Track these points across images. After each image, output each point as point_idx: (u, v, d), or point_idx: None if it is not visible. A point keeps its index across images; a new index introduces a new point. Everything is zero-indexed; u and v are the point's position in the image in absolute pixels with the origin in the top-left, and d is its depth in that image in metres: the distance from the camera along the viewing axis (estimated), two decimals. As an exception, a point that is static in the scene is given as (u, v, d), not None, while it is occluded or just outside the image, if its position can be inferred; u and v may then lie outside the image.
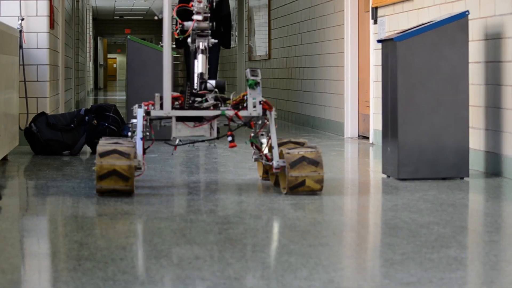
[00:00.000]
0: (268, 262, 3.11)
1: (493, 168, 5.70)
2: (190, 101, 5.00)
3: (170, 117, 4.98)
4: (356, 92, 8.90)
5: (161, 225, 3.86)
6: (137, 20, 38.47)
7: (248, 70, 4.99)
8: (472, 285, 2.83)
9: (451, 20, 5.39)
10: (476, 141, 5.94)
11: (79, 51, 16.84)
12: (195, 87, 5.15)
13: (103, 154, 4.68)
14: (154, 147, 7.62)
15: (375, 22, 8.11)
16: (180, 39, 5.26)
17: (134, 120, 5.05)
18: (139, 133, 4.90)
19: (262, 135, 5.15)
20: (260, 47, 13.66)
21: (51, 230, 3.88)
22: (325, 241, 3.50)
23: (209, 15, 5.21)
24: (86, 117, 7.17)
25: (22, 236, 3.65)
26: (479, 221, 4.05)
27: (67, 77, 11.72)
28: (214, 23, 9.35)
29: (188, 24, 5.18)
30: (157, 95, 4.97)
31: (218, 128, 9.35)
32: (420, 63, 5.38)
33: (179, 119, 4.99)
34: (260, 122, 5.10)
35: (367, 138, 8.63)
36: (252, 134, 5.17)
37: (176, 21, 5.23)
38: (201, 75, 5.14)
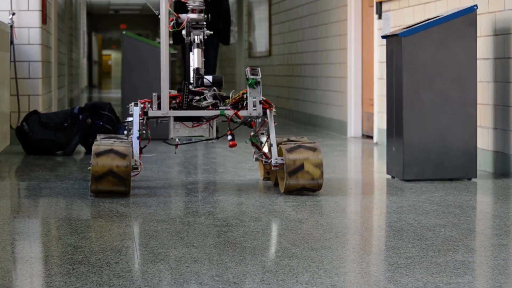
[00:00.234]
0: (268, 266, 3.09)
1: (502, 168, 5.66)
2: (188, 100, 5.02)
3: (168, 117, 5.00)
4: (359, 90, 8.88)
5: (158, 228, 3.85)
6: (133, 15, 38.61)
7: (248, 69, 5.02)
8: (481, 291, 2.81)
9: (459, 15, 5.37)
10: (484, 140, 5.90)
11: (72, 47, 16.83)
12: (191, 81, 5.19)
13: (99, 154, 4.67)
14: (152, 147, 7.63)
15: (380, 17, 8.08)
16: (172, 34, 5.29)
17: (130, 118, 5.06)
18: (135, 132, 4.92)
19: (262, 134, 5.17)
20: (261, 43, 13.63)
21: (44, 233, 3.85)
22: (327, 244, 3.49)
23: (204, 7, 5.24)
24: (80, 116, 7.13)
25: (14, 239, 3.62)
26: (487, 223, 4.01)
27: (60, 74, 11.68)
28: (210, 16, 9.31)
29: (183, 17, 5.21)
30: (154, 94, 4.98)
31: (217, 127, 9.34)
32: (426, 59, 5.35)
33: (177, 119, 5.01)
34: (259, 120, 5.13)
35: (371, 137, 8.62)
36: (252, 133, 5.19)
37: (171, 13, 5.25)
38: (197, 70, 5.16)
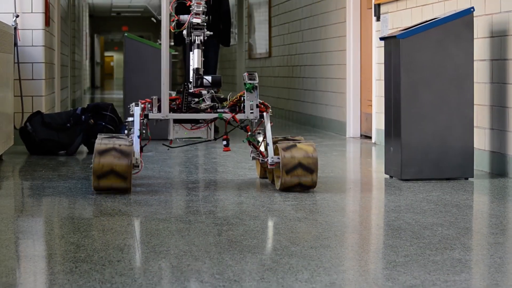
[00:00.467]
0: (268, 264, 3.09)
1: (498, 168, 5.66)
2: (187, 102, 5.09)
3: (168, 119, 5.08)
4: (358, 91, 8.87)
5: (159, 226, 3.85)
6: (135, 17, 38.51)
7: (245, 74, 5.09)
8: (477, 289, 2.81)
9: (456, 17, 5.36)
10: (481, 141, 5.90)
11: (75, 49, 16.82)
12: (191, 80, 5.25)
13: (102, 153, 4.73)
14: (152, 147, 7.60)
15: (378, 19, 8.08)
16: (176, 32, 5.37)
17: (130, 118, 5.12)
18: (136, 131, 4.99)
19: (258, 133, 5.24)
20: (261, 44, 13.62)
21: (47, 231, 3.85)
22: (326, 242, 3.48)
23: (206, 9, 5.31)
24: (83, 116, 7.13)
25: (17, 238, 3.62)
26: (484, 222, 4.01)
27: (63, 76, 11.68)
28: (211, 17, 9.34)
29: (184, 18, 5.28)
30: (154, 97, 5.07)
31: (217, 127, 9.36)
32: (424, 61, 5.35)
33: (177, 121, 5.11)
34: (256, 121, 5.20)
35: (370, 137, 8.61)
36: (249, 133, 5.26)
37: (172, 15, 5.31)
38: (197, 70, 5.23)
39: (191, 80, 5.26)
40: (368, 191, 5.02)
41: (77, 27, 18.01)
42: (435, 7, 6.68)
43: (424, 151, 5.38)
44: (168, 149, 7.12)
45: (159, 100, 5.11)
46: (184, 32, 5.33)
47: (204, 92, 5.14)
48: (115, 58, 59.73)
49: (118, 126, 7.27)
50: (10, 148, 7.44)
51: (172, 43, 8.75)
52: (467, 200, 4.62)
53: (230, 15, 9.51)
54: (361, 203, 4.58)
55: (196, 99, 5.12)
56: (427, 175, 5.39)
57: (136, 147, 4.96)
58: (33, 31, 7.81)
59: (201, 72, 5.24)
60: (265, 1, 13.34)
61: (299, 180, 4.85)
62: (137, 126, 5.01)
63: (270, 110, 5.12)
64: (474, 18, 5.98)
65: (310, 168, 4.84)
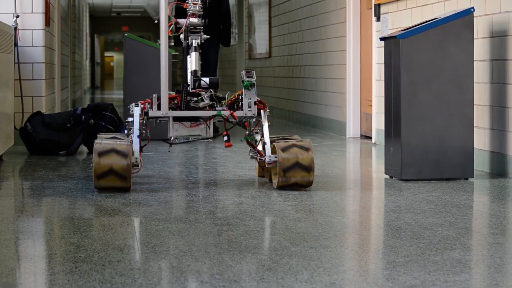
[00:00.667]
0: (268, 264, 3.09)
1: (498, 168, 5.66)
2: (186, 101, 5.17)
3: (167, 117, 5.15)
4: (358, 91, 8.87)
5: (160, 227, 3.85)
6: (135, 17, 38.51)
7: (243, 72, 5.18)
8: (477, 289, 2.81)
9: (456, 17, 5.36)
10: (481, 141, 5.90)
11: (75, 49, 16.83)
12: (188, 82, 5.33)
13: (101, 153, 4.79)
14: (152, 147, 7.61)
15: (378, 19, 8.08)
16: (174, 36, 5.46)
17: (130, 118, 5.19)
18: (136, 131, 5.06)
19: (256, 133, 5.31)
20: (261, 45, 13.63)
21: (47, 231, 3.85)
22: (326, 243, 3.49)
23: (201, 12, 5.40)
24: (83, 117, 7.13)
25: (18, 238, 3.62)
26: (483, 222, 4.02)
27: (63, 76, 11.68)
28: (211, 17, 9.35)
29: (182, 22, 5.38)
30: (154, 95, 5.14)
31: (217, 127, 9.36)
32: (424, 61, 5.35)
33: (176, 118, 5.19)
34: (254, 120, 5.26)
35: (370, 138, 8.61)
36: (247, 133, 5.33)
37: (170, 18, 5.41)
38: (194, 72, 5.32)
39: (189, 83, 5.34)
40: (368, 191, 5.02)
41: (77, 27, 18.02)
42: (435, 7, 6.68)
43: (424, 151, 5.38)
44: (169, 151, 7.13)
45: (158, 98, 5.19)
46: (182, 36, 5.43)
47: (202, 92, 5.23)
48: (115, 58, 59.74)
49: (118, 126, 7.27)
50: (10, 148, 7.44)
51: (172, 43, 8.74)
52: (467, 200, 4.62)
53: (230, 15, 9.51)
54: (361, 203, 4.58)
55: (195, 98, 5.19)
56: (427, 175, 5.39)
57: (136, 146, 5.01)
58: (33, 31, 7.81)
59: (198, 74, 5.34)
60: (265, 1, 13.35)
61: (296, 179, 4.92)
62: (136, 125, 5.08)
63: (267, 110, 5.20)
64: (474, 18, 5.98)
65: (306, 167, 4.91)
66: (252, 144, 5.30)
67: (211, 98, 5.22)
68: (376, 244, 3.51)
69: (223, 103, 5.24)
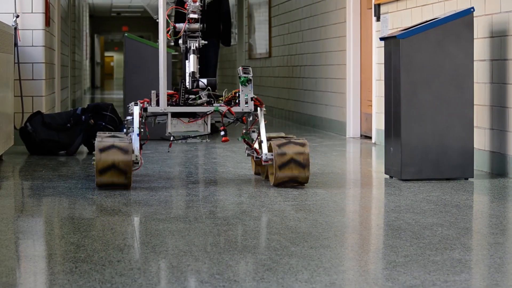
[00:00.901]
0: (268, 264, 3.09)
1: (498, 168, 5.66)
2: (184, 98, 5.26)
3: (165, 114, 5.23)
4: (358, 91, 8.88)
5: (160, 226, 3.85)
6: (135, 17, 38.52)
7: (240, 68, 5.28)
8: (477, 289, 2.81)
9: (456, 17, 5.36)
10: (481, 141, 5.90)
11: (75, 49, 16.84)
12: (187, 84, 5.43)
13: (103, 150, 4.92)
14: (152, 147, 7.61)
15: (378, 19, 8.08)
16: (172, 40, 5.58)
17: (129, 117, 5.30)
18: (135, 129, 5.14)
19: (253, 131, 5.39)
20: (261, 45, 13.63)
21: (47, 231, 3.85)
22: (326, 243, 3.49)
23: (200, 17, 5.50)
24: (83, 117, 7.14)
25: (17, 238, 3.62)
26: (483, 222, 4.02)
27: (63, 76, 11.69)
28: (211, 17, 9.37)
29: (180, 26, 5.50)
30: (153, 92, 5.24)
31: (216, 127, 9.36)
32: (424, 61, 5.35)
33: (174, 115, 5.27)
34: (251, 118, 5.35)
35: (370, 137, 8.61)
36: (244, 131, 5.41)
37: (169, 22, 5.53)
38: (192, 74, 5.42)
39: (188, 86, 5.41)
40: (368, 191, 5.03)
41: (77, 27, 18.02)
42: (435, 7, 6.68)
43: (424, 151, 5.39)
44: (168, 151, 7.17)
45: (157, 95, 5.27)
46: (180, 41, 5.52)
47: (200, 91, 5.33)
48: (115, 58, 59.76)
49: (118, 126, 7.28)
50: (10, 148, 7.45)
51: (172, 43, 8.75)
52: (467, 200, 4.62)
53: (230, 16, 9.52)
54: (361, 203, 4.59)
55: (193, 96, 5.27)
56: (427, 175, 5.40)
57: (136, 144, 5.08)
58: (33, 31, 7.81)
59: (196, 76, 5.42)
60: (265, 1, 13.35)
61: (292, 175, 5.01)
62: (136, 124, 5.15)
63: (264, 109, 5.28)
64: (474, 18, 5.98)
65: (302, 163, 5.00)
66: (249, 142, 5.38)
67: (208, 95, 5.30)
68: (376, 244, 3.51)
69: (221, 100, 5.31)
